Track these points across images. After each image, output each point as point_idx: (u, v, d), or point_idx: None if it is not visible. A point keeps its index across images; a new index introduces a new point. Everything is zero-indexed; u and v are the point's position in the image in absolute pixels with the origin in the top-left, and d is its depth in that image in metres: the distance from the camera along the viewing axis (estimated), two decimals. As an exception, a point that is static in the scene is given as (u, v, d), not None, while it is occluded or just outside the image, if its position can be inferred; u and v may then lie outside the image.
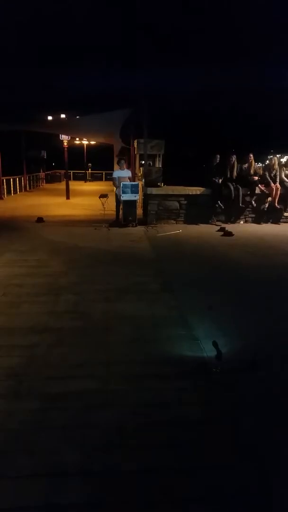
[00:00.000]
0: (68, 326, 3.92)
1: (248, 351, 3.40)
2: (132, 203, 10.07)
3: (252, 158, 10.66)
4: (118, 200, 10.25)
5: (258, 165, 10.92)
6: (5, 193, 19.20)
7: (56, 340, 3.59)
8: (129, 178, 10.42)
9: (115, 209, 10.50)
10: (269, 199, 10.53)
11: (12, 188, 20.50)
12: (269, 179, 10.40)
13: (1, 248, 7.35)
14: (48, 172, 33.81)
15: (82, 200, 17.46)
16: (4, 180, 19.31)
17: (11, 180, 20.56)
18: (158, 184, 10.94)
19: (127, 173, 10.50)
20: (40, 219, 10.70)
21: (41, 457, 2.21)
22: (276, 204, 10.46)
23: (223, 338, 3.48)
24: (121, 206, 10.14)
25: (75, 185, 25.38)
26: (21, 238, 8.45)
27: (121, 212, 10.16)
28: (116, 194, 10.36)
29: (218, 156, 10.73)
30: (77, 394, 2.78)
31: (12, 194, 20.31)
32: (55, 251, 7.18)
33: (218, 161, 10.70)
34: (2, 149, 18.32)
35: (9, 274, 5.67)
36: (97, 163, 36.81)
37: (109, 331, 3.80)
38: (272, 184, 10.35)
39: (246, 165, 10.56)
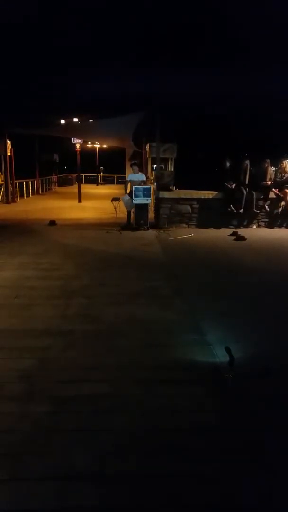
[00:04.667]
0: (80, 329, 3.92)
1: (262, 358, 3.36)
2: (144, 206, 10.08)
3: (268, 164, 10.57)
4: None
5: (272, 169, 10.83)
6: (18, 196, 19.39)
7: (68, 343, 3.59)
8: (143, 182, 10.41)
9: (126, 213, 10.53)
10: (283, 203, 10.42)
11: (25, 191, 20.71)
12: (282, 183, 10.32)
13: (14, 251, 7.42)
14: (61, 175, 34.07)
15: (94, 203, 17.52)
16: (17, 183, 19.51)
17: (24, 183, 20.77)
18: (170, 187, 10.93)
19: (140, 176, 10.50)
20: (52, 222, 10.77)
21: (53, 460, 2.21)
22: (290, 208, 10.35)
23: (236, 343, 3.44)
24: (132, 210, 10.15)
25: (87, 189, 25.51)
26: (33, 241, 8.51)
27: (132, 215, 10.18)
28: (123, 198, 10.38)
29: (231, 160, 10.68)
30: (89, 398, 2.77)
31: (25, 197, 20.51)
32: (68, 254, 7.21)
33: (230, 165, 10.66)
34: (15, 153, 18.53)
35: (22, 277, 5.71)
36: (109, 167, 37.01)
37: (121, 335, 3.79)
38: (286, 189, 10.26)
39: (258, 170, 10.48)
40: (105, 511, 1.93)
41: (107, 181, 37.35)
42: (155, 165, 12.86)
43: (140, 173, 10.66)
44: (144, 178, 10.65)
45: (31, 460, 2.21)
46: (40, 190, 23.93)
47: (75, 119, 18.29)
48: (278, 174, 10.52)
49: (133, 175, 10.48)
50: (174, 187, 11.04)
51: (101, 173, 37.75)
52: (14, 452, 2.27)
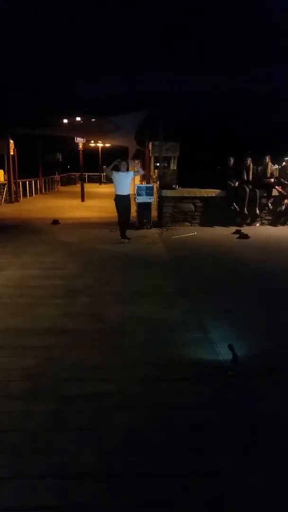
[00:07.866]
0: (84, 328, 3.93)
1: (265, 356, 3.36)
2: (147, 205, 10.08)
3: (268, 160, 10.54)
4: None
5: (275, 166, 10.80)
6: (21, 196, 19.43)
7: (72, 342, 3.60)
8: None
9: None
10: (286, 201, 10.39)
11: (28, 191, 20.74)
12: (286, 181, 10.29)
13: (18, 250, 7.44)
14: (64, 174, 34.10)
15: (97, 202, 17.54)
16: (21, 183, 19.55)
17: (27, 182, 20.81)
18: (173, 186, 10.92)
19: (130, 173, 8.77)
20: (55, 221, 10.79)
21: (57, 458, 2.22)
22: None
23: (239, 341, 3.45)
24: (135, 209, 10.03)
25: (90, 188, 25.54)
26: (37, 240, 8.53)
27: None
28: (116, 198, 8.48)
29: (234, 158, 10.66)
30: (93, 396, 2.79)
31: (28, 197, 20.54)
32: (71, 253, 7.23)
33: (233, 163, 10.64)
34: (18, 152, 18.56)
35: (25, 276, 5.73)
36: (112, 166, 36.94)
37: (125, 334, 3.80)
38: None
39: (261, 168, 10.46)
40: (109, 508, 1.95)
41: (110, 180, 37.33)
42: (158, 164, 12.86)
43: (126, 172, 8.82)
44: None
45: (34, 458, 2.22)
46: (43, 190, 23.97)
47: (78, 118, 18.26)
48: (283, 174, 10.45)
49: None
50: (177, 186, 11.04)
51: (104, 172, 37.79)
52: (18, 450, 2.29)
